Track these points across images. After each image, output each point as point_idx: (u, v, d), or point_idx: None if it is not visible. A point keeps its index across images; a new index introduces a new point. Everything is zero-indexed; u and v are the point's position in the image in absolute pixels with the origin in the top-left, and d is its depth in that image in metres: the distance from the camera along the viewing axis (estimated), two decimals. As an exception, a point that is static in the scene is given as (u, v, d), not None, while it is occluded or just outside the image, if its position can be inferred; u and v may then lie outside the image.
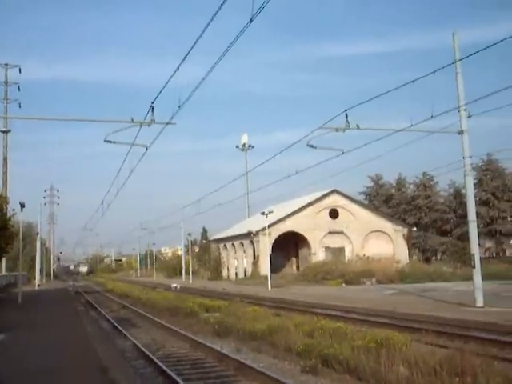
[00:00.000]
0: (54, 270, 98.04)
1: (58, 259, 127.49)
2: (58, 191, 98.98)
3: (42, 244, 75.45)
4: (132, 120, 19.21)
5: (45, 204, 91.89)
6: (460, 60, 22.31)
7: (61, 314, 24.41)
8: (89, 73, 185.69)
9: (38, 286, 56.82)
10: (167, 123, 19.12)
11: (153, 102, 18.22)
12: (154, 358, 13.06)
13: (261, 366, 11.73)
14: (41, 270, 66.52)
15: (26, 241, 63.01)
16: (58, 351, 13.39)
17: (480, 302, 21.56)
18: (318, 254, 57.57)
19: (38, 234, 64.75)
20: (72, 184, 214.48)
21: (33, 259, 67.09)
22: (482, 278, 22.54)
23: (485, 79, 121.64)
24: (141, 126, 19.21)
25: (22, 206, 32.63)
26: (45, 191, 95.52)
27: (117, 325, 20.51)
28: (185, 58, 14.65)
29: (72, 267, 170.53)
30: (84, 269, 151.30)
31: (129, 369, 12.15)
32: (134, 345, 15.60)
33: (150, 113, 18.56)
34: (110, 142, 19.94)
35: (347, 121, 21.05)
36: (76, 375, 10.36)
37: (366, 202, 70.56)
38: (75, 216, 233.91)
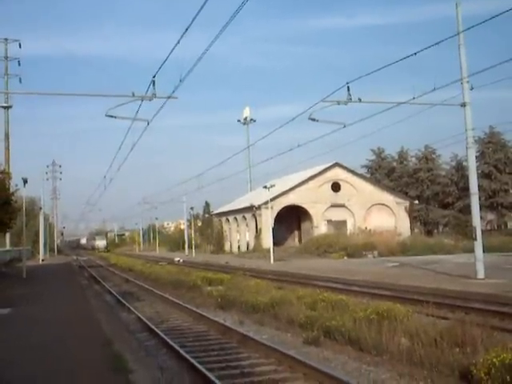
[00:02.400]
0: (57, 245, 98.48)
1: (62, 234, 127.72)
2: (60, 166, 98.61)
3: (46, 219, 75.69)
4: (133, 94, 19.12)
5: (47, 179, 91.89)
6: (463, 31, 22.06)
7: (65, 288, 24.63)
8: (89, 47, 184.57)
9: (42, 260, 57.19)
10: (168, 97, 19.05)
11: (154, 76, 18.12)
12: (157, 330, 13.22)
13: (263, 338, 11.87)
14: (44, 245, 66.88)
15: (30, 216, 63.17)
16: (62, 325, 13.55)
17: (481, 274, 21.67)
18: (320, 227, 57.72)
19: (41, 209, 65.02)
20: (74, 159, 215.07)
21: (36, 234, 67.46)
22: (484, 251, 22.62)
23: (487, 51, 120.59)
24: (142, 101, 19.15)
25: (25, 181, 32.71)
26: (47, 166, 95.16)
27: (120, 298, 20.70)
28: (185, 31, 14.53)
29: (83, 241, 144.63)
30: (101, 243, 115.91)
31: (133, 341, 12.34)
32: (138, 318, 15.78)
33: (152, 87, 18.49)
34: (112, 116, 19.90)
35: (349, 94, 20.96)
36: (81, 348, 10.50)
37: (368, 176, 70.48)
38: (78, 191, 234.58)
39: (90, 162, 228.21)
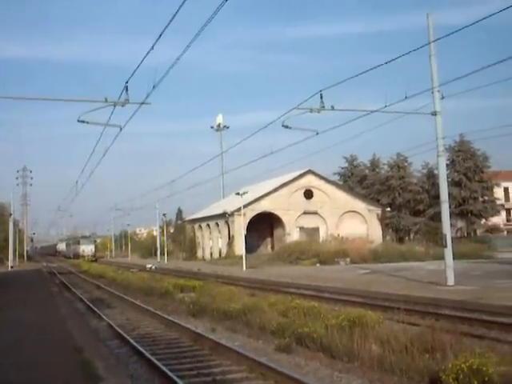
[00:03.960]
0: (27, 252, 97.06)
1: (32, 240, 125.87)
2: (30, 172, 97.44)
3: (15, 225, 74.59)
4: (106, 100, 18.97)
5: (17, 185, 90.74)
6: (434, 41, 22.40)
7: (35, 295, 24.28)
8: (62, 51, 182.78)
9: (11, 267, 56.32)
10: (141, 103, 18.94)
11: (127, 82, 18.02)
12: (128, 337, 13.10)
13: (235, 345, 11.83)
14: (14, 252, 65.86)
15: (-1, 222, 62.16)
16: (31, 333, 13.34)
17: (451, 281, 21.94)
18: (293, 234, 57.88)
19: (10, 215, 64.01)
20: (45, 165, 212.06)
21: (6, 240, 66.38)
22: (454, 258, 22.92)
23: (460, 62, 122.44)
24: (115, 106, 18.99)
25: (-6, 186, 32.09)
26: (17, 172, 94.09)
27: (91, 305, 20.48)
28: (159, 37, 14.50)
29: (61, 247, 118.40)
30: (88, 248, 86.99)
31: (103, 349, 12.20)
32: (109, 325, 15.62)
33: (125, 92, 18.34)
34: (84, 122, 19.71)
35: (322, 101, 21.11)
36: (50, 357, 10.35)
37: (341, 183, 70.95)
38: (49, 197, 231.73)
39: (61, 167, 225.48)
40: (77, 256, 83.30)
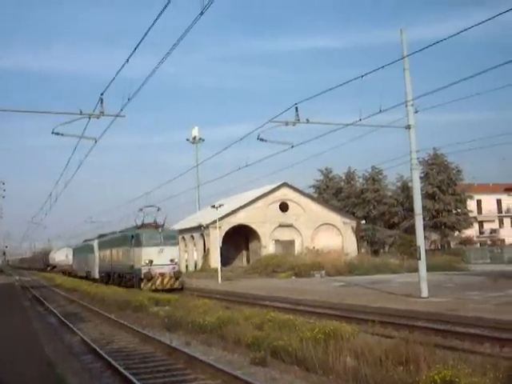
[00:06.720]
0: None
1: (4, 253, 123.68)
2: (3, 183, 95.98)
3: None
4: (81, 112, 18.88)
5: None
6: (407, 56, 22.73)
7: (6, 309, 23.87)
8: (36, 63, 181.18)
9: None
10: (116, 115, 18.91)
11: (102, 94, 17.98)
12: (102, 352, 12.94)
13: (210, 359, 11.77)
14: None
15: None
16: (1, 348, 13.12)
17: (425, 293, 22.13)
18: (269, 247, 57.91)
19: (-18, 227, 62.62)
20: (19, 176, 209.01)
21: (-23, 253, 64.96)
22: (427, 270, 23.16)
23: (433, 76, 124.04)
24: (90, 118, 18.92)
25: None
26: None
27: (64, 320, 20.21)
28: (135, 50, 14.55)
29: (61, 257, 78.57)
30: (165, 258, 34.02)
31: (76, 364, 12.04)
32: (82, 340, 15.43)
33: (99, 105, 18.31)
34: (59, 134, 19.60)
35: (297, 115, 21.25)
36: (22, 372, 10.19)
37: (316, 196, 71.24)
38: (22, 209, 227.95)
39: (35, 179, 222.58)
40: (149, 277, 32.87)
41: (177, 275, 32.97)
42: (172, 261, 33.06)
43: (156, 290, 29.82)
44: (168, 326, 17.19)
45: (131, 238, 35.08)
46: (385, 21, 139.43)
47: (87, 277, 50.39)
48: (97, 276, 46.66)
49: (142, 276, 32.32)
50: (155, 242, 33.32)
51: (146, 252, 33.04)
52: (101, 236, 50.03)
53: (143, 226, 36.05)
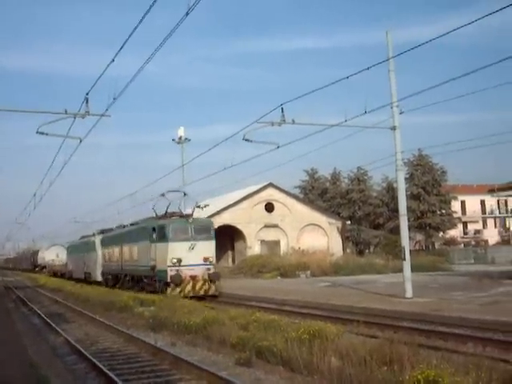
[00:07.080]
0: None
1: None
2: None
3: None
4: (66, 111, 18.74)
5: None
6: (393, 57, 22.85)
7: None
8: (21, 62, 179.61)
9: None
10: (102, 115, 18.81)
11: (87, 94, 17.89)
12: (86, 353, 12.88)
13: (195, 360, 11.75)
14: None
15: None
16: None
17: (409, 293, 22.26)
18: (254, 248, 57.86)
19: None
20: (3, 176, 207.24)
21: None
22: (412, 270, 23.30)
23: (419, 77, 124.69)
24: (75, 118, 18.80)
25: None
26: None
27: (48, 320, 20.08)
28: (120, 49, 14.49)
29: (51, 255, 74.03)
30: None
31: (60, 365, 11.98)
32: (66, 340, 15.34)
33: (85, 104, 18.20)
34: (43, 133, 19.47)
35: (283, 115, 21.27)
36: (5, 374, 10.11)
37: (302, 196, 71.33)
38: (5, 209, 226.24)
39: (19, 179, 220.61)
40: (177, 281, 26.62)
41: (212, 278, 26.81)
42: (206, 260, 26.95)
43: (186, 297, 23.92)
44: (153, 326, 17.14)
45: (152, 231, 28.29)
46: (375, 22, 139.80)
47: (86, 279, 44.23)
48: (99, 278, 40.46)
49: (169, 279, 26.03)
50: (185, 237, 26.85)
51: (174, 248, 26.59)
52: (104, 231, 43.60)
53: (167, 215, 29.41)
